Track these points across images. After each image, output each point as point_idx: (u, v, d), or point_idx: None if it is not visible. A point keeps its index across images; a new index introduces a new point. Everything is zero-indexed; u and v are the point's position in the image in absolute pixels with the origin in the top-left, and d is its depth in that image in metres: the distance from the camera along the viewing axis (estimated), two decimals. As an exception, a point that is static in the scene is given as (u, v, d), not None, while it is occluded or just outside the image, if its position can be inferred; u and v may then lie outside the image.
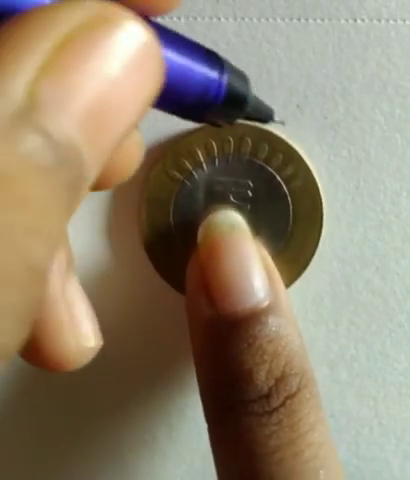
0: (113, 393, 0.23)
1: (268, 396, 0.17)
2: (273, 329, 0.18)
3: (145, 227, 0.21)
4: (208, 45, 0.20)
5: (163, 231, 0.21)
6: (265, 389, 0.17)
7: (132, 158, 0.15)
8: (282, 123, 0.19)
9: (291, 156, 0.20)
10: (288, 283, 0.21)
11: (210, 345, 0.18)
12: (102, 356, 0.22)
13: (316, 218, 0.20)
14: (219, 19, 0.20)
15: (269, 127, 0.20)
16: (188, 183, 0.20)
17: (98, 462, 0.23)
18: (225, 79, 0.15)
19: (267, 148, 0.20)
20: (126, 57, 0.10)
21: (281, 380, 0.17)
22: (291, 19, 0.20)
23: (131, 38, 0.10)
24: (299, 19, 0.20)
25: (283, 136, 0.20)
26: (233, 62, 0.20)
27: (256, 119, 0.18)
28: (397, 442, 0.22)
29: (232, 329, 0.18)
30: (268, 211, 0.20)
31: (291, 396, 0.17)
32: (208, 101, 0.15)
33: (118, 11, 0.10)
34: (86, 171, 0.10)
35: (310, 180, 0.20)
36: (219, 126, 0.16)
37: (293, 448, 0.17)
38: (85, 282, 0.22)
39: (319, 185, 0.20)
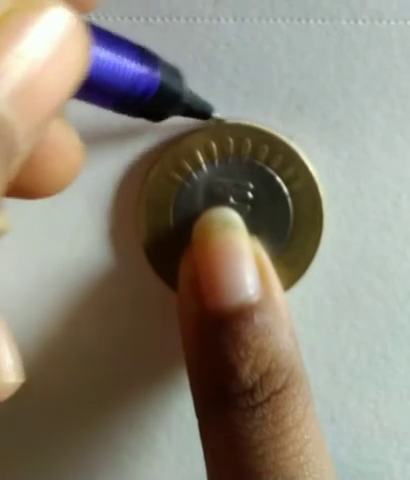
0: (112, 396, 0.23)
1: (252, 391, 0.17)
2: (259, 326, 0.18)
3: (145, 228, 0.21)
4: (208, 45, 0.20)
5: (163, 232, 0.21)
6: (249, 384, 0.17)
7: (72, 163, 0.15)
8: (223, 120, 0.19)
9: (291, 157, 0.20)
10: (288, 285, 0.21)
11: (197, 340, 0.18)
12: (101, 358, 0.22)
13: (316, 219, 0.20)
14: (219, 20, 0.20)
15: (269, 128, 0.20)
16: (188, 184, 0.20)
17: (97, 465, 0.23)
18: (157, 75, 0.16)
19: (267, 149, 0.20)
20: (52, 39, 0.11)
21: (266, 376, 0.17)
22: (292, 20, 0.20)
23: (56, 20, 0.11)
24: (300, 20, 0.20)
25: (283, 137, 0.20)
26: (233, 63, 0.20)
27: (194, 115, 0.19)
28: (398, 445, 0.22)
29: (218, 325, 0.18)
30: (268, 212, 0.20)
31: (276, 392, 0.17)
32: (137, 96, 0.16)
33: None
34: (18, 146, 0.11)
35: (310, 181, 0.20)
36: (155, 121, 0.17)
37: (276, 443, 0.17)
38: (84, 283, 0.22)
39: (319, 186, 0.20)
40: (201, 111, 0.19)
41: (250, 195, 0.20)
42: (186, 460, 0.23)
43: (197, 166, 0.20)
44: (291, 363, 0.18)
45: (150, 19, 0.20)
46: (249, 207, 0.20)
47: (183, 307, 0.19)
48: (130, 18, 0.20)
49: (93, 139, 0.21)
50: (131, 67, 0.15)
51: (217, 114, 0.19)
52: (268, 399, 0.17)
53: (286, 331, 0.18)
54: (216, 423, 0.18)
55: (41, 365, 0.22)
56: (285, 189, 0.20)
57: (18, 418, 0.23)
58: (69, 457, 0.23)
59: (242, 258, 0.18)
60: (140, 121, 0.20)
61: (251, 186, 0.20)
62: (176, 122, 0.20)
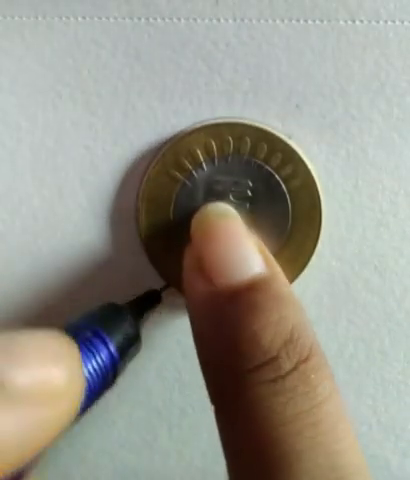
0: (113, 392, 0.23)
1: (278, 358, 0.16)
2: (275, 295, 0.17)
3: (145, 226, 0.21)
4: (208, 46, 0.20)
5: (163, 230, 0.21)
6: (273, 351, 0.16)
7: None
8: None
9: (290, 155, 0.20)
10: (287, 282, 0.21)
11: (210, 319, 0.17)
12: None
13: (315, 217, 0.20)
14: (219, 20, 0.20)
15: (268, 127, 0.20)
16: (188, 183, 0.20)
17: (99, 461, 0.23)
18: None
19: (266, 148, 0.20)
20: None
21: (290, 343, 0.16)
22: (290, 20, 0.20)
23: None
24: (298, 20, 0.20)
25: (282, 136, 0.20)
26: (233, 63, 0.20)
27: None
28: (396, 440, 0.22)
29: (232, 300, 0.17)
30: (267, 210, 0.20)
31: (303, 361, 0.16)
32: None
33: None
34: None
35: (309, 179, 0.20)
36: None
37: (312, 417, 0.16)
38: (84, 282, 0.22)
39: (318, 184, 0.20)
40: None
41: (249, 193, 0.20)
42: (187, 455, 0.23)
43: (197, 164, 0.20)
44: (311, 332, 0.17)
45: (150, 19, 0.20)
46: (248, 205, 0.20)
47: (190, 294, 0.18)
48: (131, 18, 0.20)
49: (93, 138, 0.21)
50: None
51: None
52: (296, 368, 0.16)
53: (298, 302, 0.18)
54: (241, 403, 0.16)
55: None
56: (284, 187, 0.20)
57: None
58: (70, 454, 0.23)
59: (244, 240, 0.18)
60: (140, 120, 0.21)
61: (250, 184, 0.20)
62: (176, 121, 0.20)
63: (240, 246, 0.18)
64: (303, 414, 0.16)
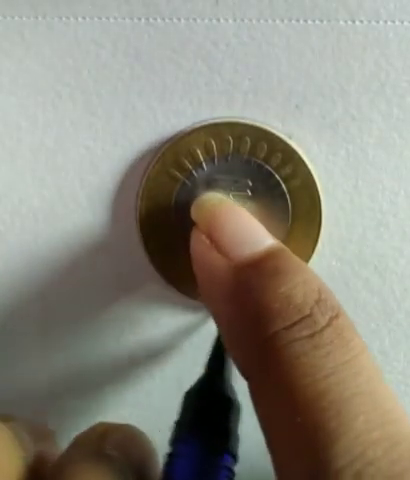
0: (113, 392, 0.23)
1: (311, 316, 0.16)
2: (294, 260, 0.18)
3: (145, 226, 0.21)
4: (208, 46, 0.20)
5: (164, 229, 0.21)
6: (306, 308, 0.17)
7: None
8: None
9: (290, 155, 0.20)
10: (287, 282, 0.21)
11: (236, 292, 0.18)
12: (101, 357, 0.22)
13: (315, 216, 0.20)
14: (219, 20, 0.20)
15: (268, 126, 0.20)
16: (188, 182, 0.20)
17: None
18: None
19: (266, 147, 0.20)
20: None
21: (320, 301, 0.17)
22: (290, 20, 0.20)
23: None
24: (298, 20, 0.20)
25: (282, 135, 0.20)
26: (233, 63, 0.20)
27: None
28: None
29: (256, 268, 0.17)
30: (267, 210, 0.20)
31: (335, 317, 0.17)
32: None
33: None
34: None
35: (309, 178, 0.20)
36: None
37: (353, 368, 0.16)
38: (84, 281, 0.22)
39: (318, 184, 0.20)
40: None
41: (249, 192, 0.20)
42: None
43: (197, 164, 0.20)
44: (334, 294, 0.17)
45: (150, 19, 0.20)
46: (248, 204, 0.20)
47: (205, 273, 0.19)
48: (131, 18, 0.20)
49: (93, 138, 0.21)
50: None
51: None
52: (330, 323, 0.16)
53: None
54: (281, 362, 0.16)
55: (34, 361, 0.22)
56: (284, 186, 0.20)
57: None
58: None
59: (249, 216, 0.19)
60: (140, 120, 0.21)
61: (250, 183, 0.20)
62: (176, 121, 0.20)
63: (248, 223, 0.18)
64: (344, 365, 0.16)
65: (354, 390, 0.16)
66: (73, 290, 0.22)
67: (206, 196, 0.20)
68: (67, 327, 0.22)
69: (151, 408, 0.23)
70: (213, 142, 0.20)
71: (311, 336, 0.16)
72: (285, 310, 0.17)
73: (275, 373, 0.16)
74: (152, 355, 0.22)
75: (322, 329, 0.16)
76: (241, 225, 0.18)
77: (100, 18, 0.20)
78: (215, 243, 0.18)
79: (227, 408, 0.19)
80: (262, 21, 0.20)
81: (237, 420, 0.19)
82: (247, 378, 0.17)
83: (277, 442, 0.16)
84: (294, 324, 0.16)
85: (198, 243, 0.19)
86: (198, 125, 0.20)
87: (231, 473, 0.18)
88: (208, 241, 0.18)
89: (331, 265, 0.21)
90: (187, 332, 0.22)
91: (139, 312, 0.22)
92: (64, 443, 0.18)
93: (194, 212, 0.19)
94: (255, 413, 0.17)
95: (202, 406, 0.19)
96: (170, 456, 0.18)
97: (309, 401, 0.16)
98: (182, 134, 0.20)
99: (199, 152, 0.20)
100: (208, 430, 0.18)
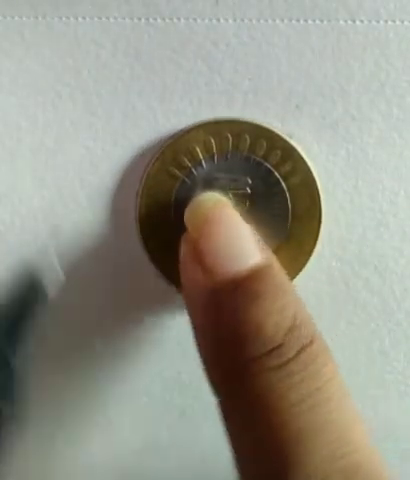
0: (113, 392, 0.23)
1: (281, 347, 0.17)
2: (276, 283, 0.17)
3: (145, 224, 0.21)
4: (208, 46, 0.20)
5: (163, 228, 0.21)
6: (277, 340, 0.17)
7: None
8: None
9: (289, 152, 0.20)
10: (287, 282, 0.21)
11: (211, 311, 0.18)
12: (101, 358, 0.22)
13: (315, 214, 0.20)
14: (219, 20, 0.20)
15: (267, 124, 0.20)
16: (187, 180, 0.20)
17: (99, 465, 0.23)
18: None
19: (265, 145, 0.20)
20: None
21: (292, 331, 0.17)
22: (290, 20, 0.20)
23: None
24: (298, 20, 0.20)
25: (281, 133, 0.20)
26: (233, 63, 0.20)
27: None
28: (396, 442, 0.22)
29: (233, 290, 0.17)
30: (267, 208, 0.20)
31: (305, 346, 0.17)
32: None
33: None
34: None
35: (308, 176, 0.20)
36: None
37: (319, 397, 0.16)
38: (84, 281, 0.22)
39: (317, 182, 0.20)
40: None
41: (248, 190, 0.20)
42: (187, 459, 0.23)
43: (196, 162, 0.20)
44: (312, 319, 0.17)
45: (150, 19, 0.20)
46: (248, 202, 0.20)
47: (188, 285, 0.19)
48: (131, 18, 0.20)
49: (93, 138, 0.21)
50: None
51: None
52: (300, 353, 0.17)
53: (295, 291, 0.18)
54: (248, 390, 0.17)
55: (34, 361, 0.22)
56: (283, 184, 0.20)
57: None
58: (70, 458, 0.23)
59: (240, 227, 0.18)
60: (140, 120, 0.21)
61: (249, 181, 0.20)
62: (175, 119, 0.21)
63: (236, 235, 0.18)
64: (310, 395, 0.16)
65: (322, 418, 0.16)
66: (73, 289, 0.22)
67: (202, 197, 0.20)
68: (67, 326, 0.22)
69: (151, 408, 0.23)
70: (212, 140, 0.20)
71: (281, 366, 0.16)
72: (257, 340, 0.17)
73: (244, 399, 0.17)
74: (152, 355, 0.22)
75: (291, 359, 0.17)
76: (229, 238, 0.18)
77: (100, 18, 0.20)
78: (200, 254, 0.18)
79: None
80: (262, 21, 0.20)
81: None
82: (217, 396, 0.17)
83: (242, 462, 0.17)
84: (264, 354, 0.17)
85: (185, 249, 0.19)
86: (198, 123, 0.20)
87: None
88: (193, 252, 0.18)
89: (331, 265, 0.21)
90: (187, 332, 0.22)
91: (139, 312, 0.22)
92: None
93: (187, 215, 0.19)
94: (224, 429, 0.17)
95: None
96: None
97: (273, 430, 0.16)
98: (181, 132, 0.20)
99: (198, 150, 0.20)
100: None
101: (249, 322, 0.17)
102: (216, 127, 0.20)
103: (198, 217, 0.19)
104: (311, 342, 0.17)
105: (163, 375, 0.22)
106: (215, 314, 0.17)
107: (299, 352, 0.17)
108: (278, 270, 0.18)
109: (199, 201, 0.19)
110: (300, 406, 0.16)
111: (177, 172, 0.20)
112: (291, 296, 0.17)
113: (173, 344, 0.22)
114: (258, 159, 0.20)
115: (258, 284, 0.17)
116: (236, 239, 0.18)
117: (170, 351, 0.22)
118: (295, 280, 0.21)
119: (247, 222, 0.20)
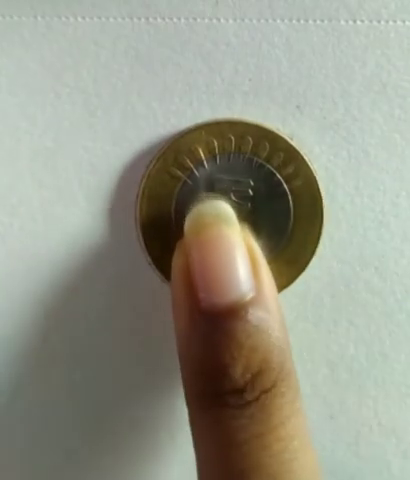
0: (113, 393, 0.23)
1: (243, 390, 0.17)
2: (252, 324, 0.17)
3: (146, 225, 0.21)
4: (208, 46, 0.20)
5: (164, 229, 0.21)
6: (240, 383, 0.17)
7: None
8: None
9: (292, 155, 0.20)
10: (288, 283, 0.21)
11: (189, 334, 0.18)
12: (101, 359, 0.22)
13: (316, 217, 0.20)
14: (219, 20, 0.20)
15: (270, 126, 0.20)
16: (189, 181, 0.20)
17: (101, 468, 0.23)
18: None
19: (268, 147, 0.20)
20: None
21: (258, 375, 0.17)
22: (291, 20, 0.20)
23: None
24: (298, 20, 0.20)
25: (284, 135, 0.20)
26: (233, 63, 0.20)
27: None
28: (397, 442, 0.22)
29: (211, 322, 0.17)
30: (268, 210, 0.20)
31: (266, 391, 0.17)
32: None
33: None
34: None
35: (310, 179, 0.20)
36: None
37: (261, 441, 0.17)
38: (84, 281, 0.22)
39: (319, 184, 0.20)
40: None
41: (251, 192, 0.20)
42: (189, 462, 0.23)
43: (198, 163, 0.20)
44: (282, 359, 0.18)
45: (150, 19, 0.20)
46: (249, 204, 0.20)
47: (176, 298, 0.19)
48: (130, 18, 0.20)
49: (92, 139, 0.21)
50: None
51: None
52: (257, 398, 0.17)
53: (277, 326, 0.18)
54: (204, 418, 0.18)
55: (35, 365, 0.22)
56: (285, 186, 0.20)
57: (15, 422, 0.23)
58: (71, 461, 0.23)
59: (235, 252, 0.18)
60: (140, 121, 0.21)
61: (252, 183, 0.20)
62: (177, 119, 0.20)
63: (230, 259, 0.18)
64: (253, 439, 0.17)
65: (254, 464, 0.17)
66: (72, 290, 0.22)
67: (203, 208, 0.19)
68: (67, 328, 0.22)
69: (151, 408, 0.23)
70: (215, 141, 0.20)
71: (234, 407, 0.17)
72: (220, 380, 0.17)
73: (202, 424, 0.18)
74: (152, 355, 0.22)
75: (246, 403, 0.17)
76: (218, 265, 0.18)
77: (100, 18, 0.20)
78: (188, 278, 0.18)
79: None
80: (262, 21, 0.20)
81: None
82: (188, 408, 0.18)
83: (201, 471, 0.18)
84: (224, 394, 0.17)
85: (178, 261, 0.19)
86: (200, 123, 0.20)
87: None
88: (184, 269, 0.18)
89: (332, 266, 0.21)
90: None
91: (139, 312, 0.22)
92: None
93: (186, 224, 0.19)
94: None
95: None
96: None
97: (214, 466, 0.17)
98: (183, 132, 0.20)
99: (200, 151, 0.20)
100: None
101: (218, 361, 0.17)
102: (218, 128, 0.20)
103: (195, 232, 0.18)
104: (272, 387, 0.17)
105: (163, 375, 0.22)
106: (191, 340, 0.18)
107: (256, 398, 0.17)
108: (262, 304, 0.18)
109: (200, 213, 0.19)
110: (242, 447, 0.17)
111: (178, 172, 0.20)
112: (267, 334, 0.18)
113: (174, 344, 0.22)
114: (260, 161, 0.20)
115: (235, 323, 0.17)
116: (226, 266, 0.18)
117: (171, 351, 0.22)
118: (296, 281, 0.21)
119: (248, 224, 0.20)
